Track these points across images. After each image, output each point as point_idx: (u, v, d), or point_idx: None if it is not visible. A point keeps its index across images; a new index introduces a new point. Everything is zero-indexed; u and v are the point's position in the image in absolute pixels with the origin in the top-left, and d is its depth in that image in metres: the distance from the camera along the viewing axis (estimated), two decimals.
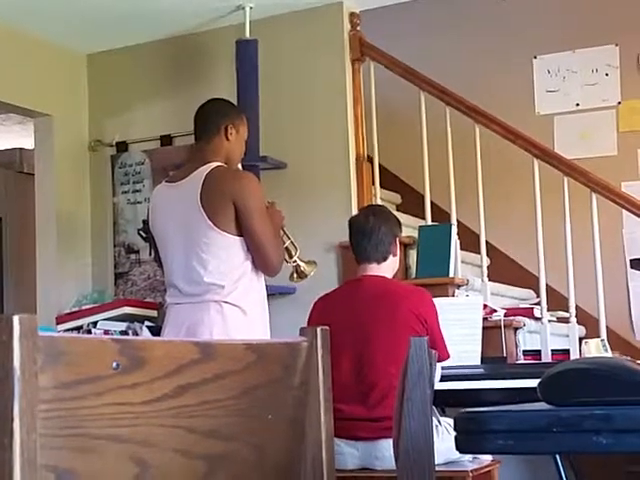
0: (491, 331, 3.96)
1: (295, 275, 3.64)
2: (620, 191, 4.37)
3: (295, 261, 3.61)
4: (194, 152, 3.48)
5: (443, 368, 3.25)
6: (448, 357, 3.22)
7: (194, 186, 3.27)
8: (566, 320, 4.27)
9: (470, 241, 4.55)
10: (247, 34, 4.52)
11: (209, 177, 3.27)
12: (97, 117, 5.10)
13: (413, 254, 4.40)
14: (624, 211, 4.41)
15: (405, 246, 4.39)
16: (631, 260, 2.73)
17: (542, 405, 1.42)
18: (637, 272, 2.54)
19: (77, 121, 5.06)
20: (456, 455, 3.14)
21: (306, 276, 3.64)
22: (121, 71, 5.07)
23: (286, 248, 3.52)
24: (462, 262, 4.43)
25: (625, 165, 5.03)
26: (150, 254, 4.66)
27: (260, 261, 3.30)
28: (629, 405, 1.32)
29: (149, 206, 3.53)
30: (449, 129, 4.46)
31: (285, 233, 3.56)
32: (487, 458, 3.34)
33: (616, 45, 5.15)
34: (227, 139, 3.41)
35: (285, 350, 1.49)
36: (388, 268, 3.40)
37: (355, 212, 4.23)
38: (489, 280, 4.39)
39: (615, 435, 1.30)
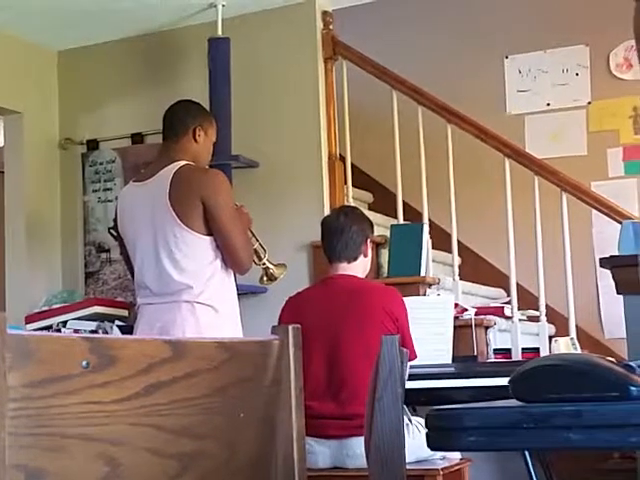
0: (462, 330, 3.98)
1: (265, 278, 3.64)
2: (590, 191, 4.40)
3: (264, 264, 3.61)
4: (161, 151, 3.46)
5: (414, 367, 3.26)
6: (416, 357, 3.23)
7: (162, 184, 3.25)
8: (536, 319, 4.30)
9: (441, 240, 4.57)
10: (219, 32, 4.50)
11: (177, 175, 3.25)
12: (68, 115, 5.05)
13: (385, 253, 4.41)
14: (594, 210, 4.45)
15: (377, 245, 4.40)
16: (600, 259, 2.74)
17: (513, 402, 1.43)
18: (606, 271, 2.56)
19: (47, 119, 5.02)
20: (427, 453, 3.15)
21: (276, 279, 3.65)
22: (92, 68, 5.02)
23: (255, 250, 3.51)
24: (433, 261, 4.44)
25: (595, 165, 5.06)
26: (121, 253, 4.64)
27: (230, 258, 3.29)
28: (599, 401, 1.33)
29: (117, 207, 3.50)
30: (421, 128, 4.46)
31: (253, 235, 3.55)
32: (456, 456, 3.35)
33: (586, 45, 5.19)
34: (195, 141, 3.39)
35: (257, 348, 1.49)
36: (359, 268, 3.40)
37: (327, 211, 4.23)
38: (460, 279, 4.41)
39: (585, 431, 1.30)
